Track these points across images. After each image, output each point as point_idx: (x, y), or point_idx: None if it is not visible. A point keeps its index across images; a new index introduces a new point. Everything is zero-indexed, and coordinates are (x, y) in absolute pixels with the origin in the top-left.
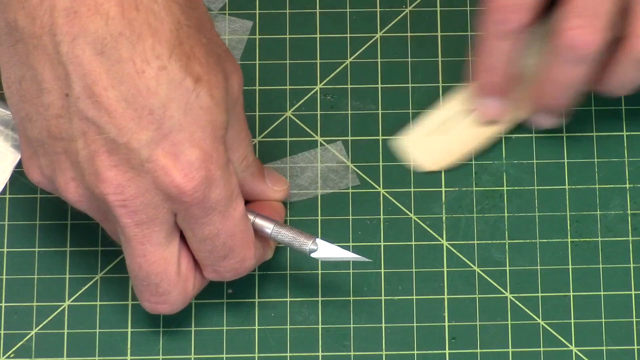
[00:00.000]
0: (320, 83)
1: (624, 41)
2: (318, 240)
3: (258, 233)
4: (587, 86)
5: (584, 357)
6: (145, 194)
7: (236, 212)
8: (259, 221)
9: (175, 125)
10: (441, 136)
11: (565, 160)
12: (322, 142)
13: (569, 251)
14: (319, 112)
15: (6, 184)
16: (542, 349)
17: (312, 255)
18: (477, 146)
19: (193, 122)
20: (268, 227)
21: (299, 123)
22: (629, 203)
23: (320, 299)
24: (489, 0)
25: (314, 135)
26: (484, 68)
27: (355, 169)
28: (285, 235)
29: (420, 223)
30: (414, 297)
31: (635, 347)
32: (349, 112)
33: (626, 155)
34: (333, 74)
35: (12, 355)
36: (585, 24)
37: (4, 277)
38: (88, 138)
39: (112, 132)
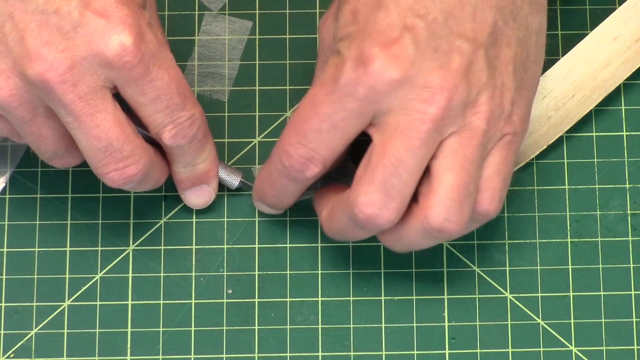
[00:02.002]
0: None
1: (416, 207)
2: (243, 180)
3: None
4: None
5: (584, 357)
6: (82, 63)
7: (173, 61)
8: None
9: None
10: None
11: (565, 160)
12: None
13: (569, 251)
14: None
15: (6, 184)
16: (542, 349)
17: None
18: (529, 158)
19: None
20: None
21: None
22: (628, 203)
23: (320, 299)
24: (281, 142)
25: None
26: (266, 193)
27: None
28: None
29: None
30: (414, 297)
31: (635, 347)
32: None
33: (626, 155)
34: None
35: (12, 355)
36: (380, 203)
37: (4, 277)
38: (15, 17)
39: (39, 3)
